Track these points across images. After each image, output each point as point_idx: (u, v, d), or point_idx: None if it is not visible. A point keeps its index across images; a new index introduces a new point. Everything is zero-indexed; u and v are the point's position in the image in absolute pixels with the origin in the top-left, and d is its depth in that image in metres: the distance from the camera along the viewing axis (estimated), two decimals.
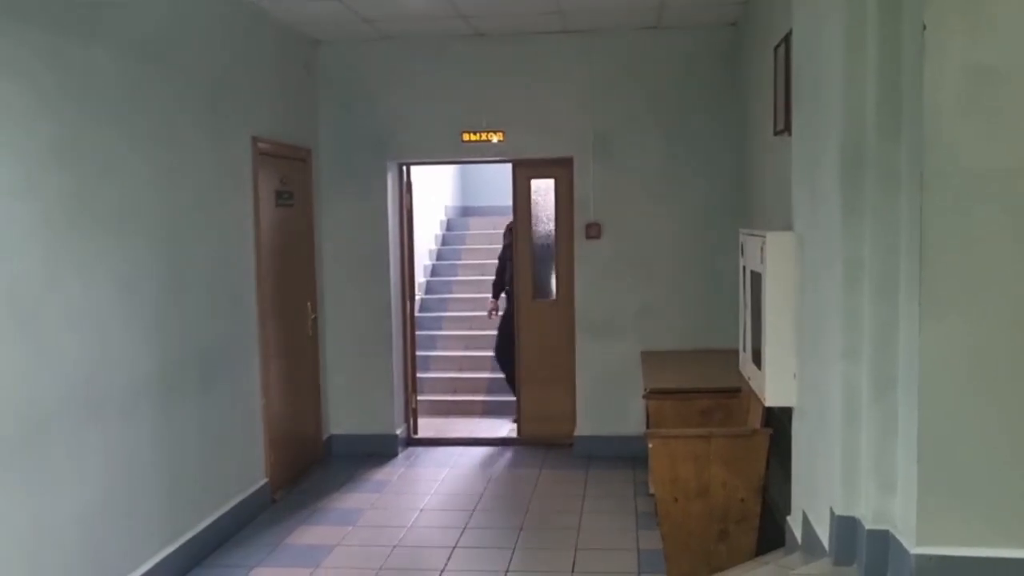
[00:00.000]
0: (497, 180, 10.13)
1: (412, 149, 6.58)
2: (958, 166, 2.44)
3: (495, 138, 6.46)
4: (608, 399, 6.49)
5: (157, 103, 4.35)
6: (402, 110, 6.49)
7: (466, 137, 6.48)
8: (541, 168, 6.73)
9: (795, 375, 3.55)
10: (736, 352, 5.57)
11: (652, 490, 4.25)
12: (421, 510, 5.44)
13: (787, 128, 4.21)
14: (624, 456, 6.24)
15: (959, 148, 2.44)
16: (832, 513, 2.90)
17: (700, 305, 6.32)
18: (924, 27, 2.44)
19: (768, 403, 3.65)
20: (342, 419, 6.69)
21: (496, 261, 7.69)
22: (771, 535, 4.08)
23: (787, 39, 4.19)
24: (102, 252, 3.88)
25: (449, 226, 10.60)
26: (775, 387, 3.61)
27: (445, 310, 9.10)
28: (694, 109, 6.29)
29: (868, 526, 2.74)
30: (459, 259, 9.93)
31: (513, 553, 4.71)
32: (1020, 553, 2.44)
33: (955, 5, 2.41)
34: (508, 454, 6.68)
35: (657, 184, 6.35)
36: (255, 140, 5.41)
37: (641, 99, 6.31)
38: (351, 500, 5.68)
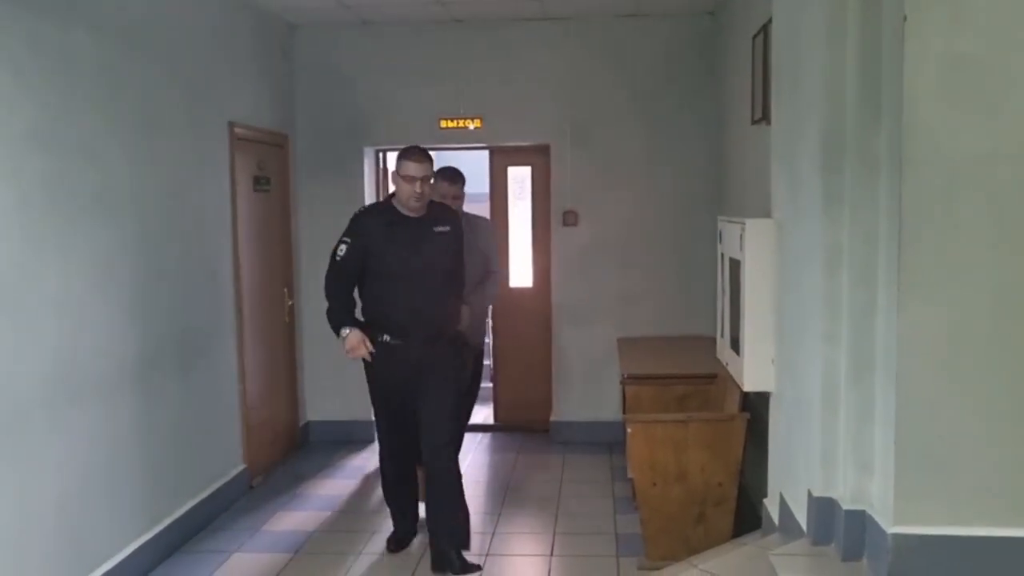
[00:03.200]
0: (469, 167, 10.13)
1: (389, 135, 6.55)
2: (937, 153, 2.49)
3: (472, 125, 6.46)
4: (585, 385, 6.54)
5: (135, 88, 4.31)
6: (380, 96, 6.47)
7: (443, 124, 6.48)
8: (518, 155, 6.74)
9: (773, 360, 3.61)
10: (712, 339, 5.64)
11: (631, 474, 4.30)
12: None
13: (765, 117, 4.27)
14: (601, 441, 6.30)
15: (938, 135, 2.49)
16: (810, 494, 2.96)
17: (676, 292, 6.38)
18: (905, 17, 2.48)
19: (747, 388, 3.70)
20: (319, 405, 6.68)
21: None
22: (746, 517, 4.15)
23: (765, 28, 4.24)
24: (80, 237, 3.85)
25: None
26: (754, 372, 3.67)
27: None
28: (671, 97, 6.33)
29: (846, 507, 2.80)
30: None
31: (492, 537, 4.74)
32: (994, 531, 2.51)
33: None
34: (485, 440, 6.71)
35: (634, 172, 6.39)
36: (232, 125, 5.37)
37: (619, 87, 6.34)
38: (330, 486, 5.69)
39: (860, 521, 2.77)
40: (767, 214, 3.96)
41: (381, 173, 6.84)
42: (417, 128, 6.47)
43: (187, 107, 4.86)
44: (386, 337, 4.19)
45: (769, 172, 4.12)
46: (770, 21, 4.09)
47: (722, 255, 4.24)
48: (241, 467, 5.46)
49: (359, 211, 4.43)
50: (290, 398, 6.42)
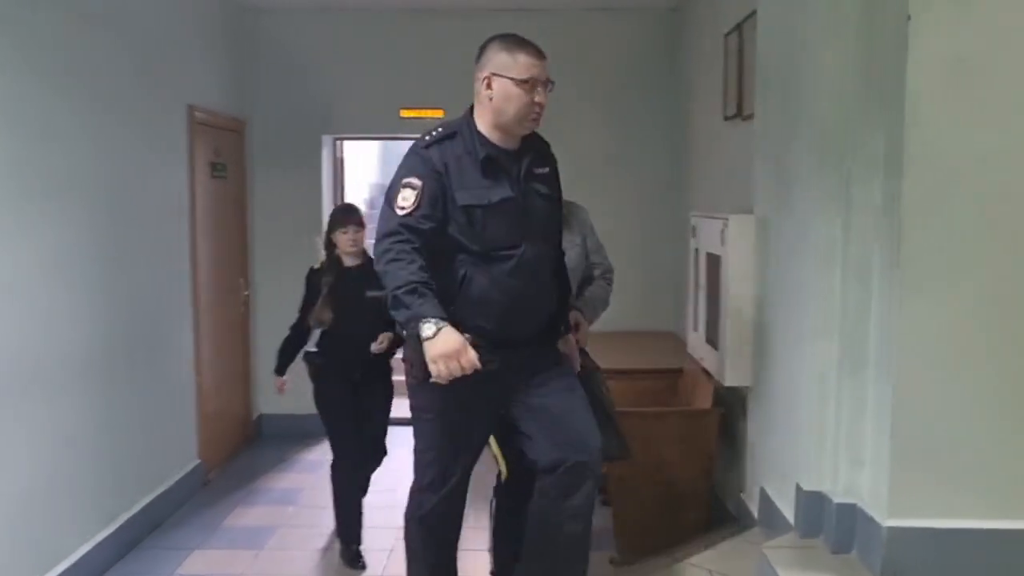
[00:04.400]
0: None
1: (349, 124, 6.44)
2: (938, 153, 2.54)
3: (434, 115, 6.38)
4: None
5: (95, 68, 4.12)
6: (340, 84, 6.34)
7: (405, 113, 6.38)
8: None
9: (753, 355, 3.64)
10: (674, 334, 5.68)
11: (603, 468, 4.29)
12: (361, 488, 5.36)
13: (740, 113, 4.30)
14: None
15: (939, 135, 2.54)
16: (799, 488, 2.99)
17: (638, 287, 6.38)
18: (909, 17, 2.52)
19: (728, 383, 3.72)
20: (273, 398, 6.50)
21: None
22: (713, 512, 4.18)
23: (741, 26, 4.27)
24: (32, 221, 3.64)
25: (372, 204, 10.43)
26: (734, 367, 3.69)
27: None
28: (634, 92, 6.35)
29: (837, 500, 2.84)
30: None
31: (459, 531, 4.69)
32: (988, 524, 2.57)
33: None
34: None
35: (596, 167, 6.39)
36: (191, 109, 5.20)
37: (582, 81, 6.32)
38: (287, 480, 5.57)
39: (851, 514, 2.81)
40: (743, 209, 3.99)
41: (339, 163, 6.72)
42: (378, 117, 6.37)
43: (146, 89, 4.67)
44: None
45: (743, 167, 4.17)
46: (746, 19, 4.13)
47: (697, 250, 4.26)
48: (196, 461, 5.30)
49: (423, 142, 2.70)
50: (244, 391, 6.26)
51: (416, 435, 2.87)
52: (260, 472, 5.68)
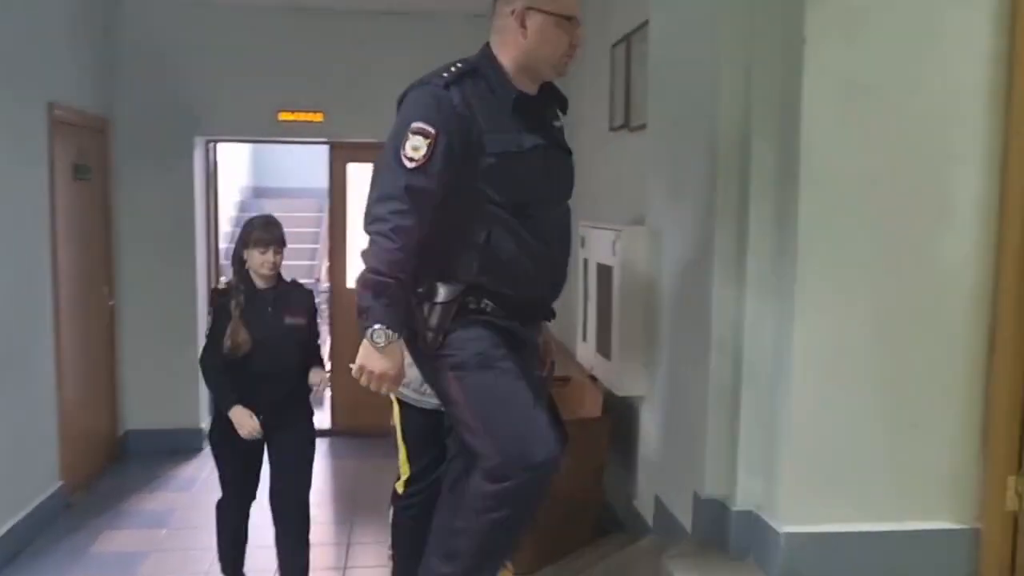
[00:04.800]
0: (293, 160, 9.77)
1: (224, 126, 6.19)
2: (831, 172, 2.62)
3: (314, 119, 6.21)
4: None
5: None
6: (214, 84, 6.08)
7: (282, 116, 6.19)
8: (360, 152, 6.54)
9: (645, 365, 3.69)
10: (559, 343, 5.69)
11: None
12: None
13: (627, 124, 4.36)
14: None
15: (832, 155, 2.62)
16: (696, 496, 3.04)
17: None
18: (804, 40, 2.60)
19: (621, 393, 3.76)
20: (141, 413, 6.20)
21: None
22: (603, 519, 4.21)
23: (629, 38, 4.33)
24: None
25: (243, 208, 10.08)
26: (626, 377, 3.73)
27: None
28: None
29: (735, 508, 2.91)
30: None
31: (348, 548, 4.58)
32: (879, 527, 2.69)
33: (834, 21, 2.59)
34: (322, 446, 6.44)
35: None
36: (52, 106, 4.86)
37: None
38: (158, 500, 5.28)
39: (749, 521, 2.88)
40: (632, 219, 4.06)
41: (212, 166, 6.44)
42: (254, 119, 6.16)
43: (3, 84, 4.34)
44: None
45: (631, 178, 4.23)
46: (635, 31, 4.19)
47: (586, 261, 4.29)
48: (58, 483, 4.96)
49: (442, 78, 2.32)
50: (110, 406, 5.91)
51: (472, 401, 2.31)
52: (128, 492, 5.37)
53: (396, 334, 2.20)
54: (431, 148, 2.19)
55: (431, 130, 2.20)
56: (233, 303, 3.51)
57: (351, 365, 2.26)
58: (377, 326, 2.18)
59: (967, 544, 2.73)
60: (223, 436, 3.58)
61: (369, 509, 5.13)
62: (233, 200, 9.78)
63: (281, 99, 6.16)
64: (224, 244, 9.11)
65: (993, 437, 2.72)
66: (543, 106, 2.46)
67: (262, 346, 3.50)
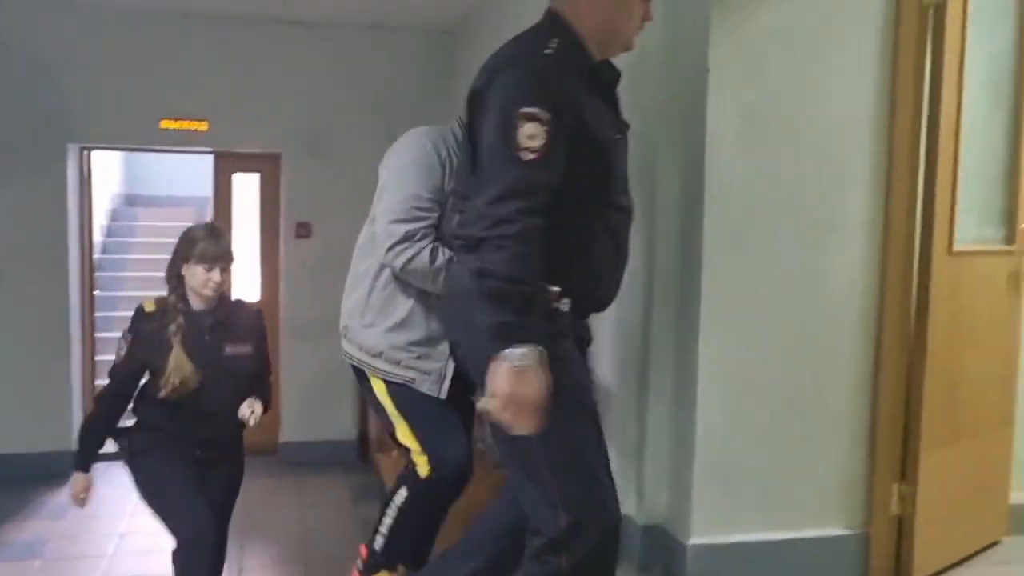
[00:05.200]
0: (169, 167, 9.42)
1: (101, 133, 5.88)
2: (734, 195, 2.75)
3: (198, 127, 6.01)
4: (316, 403, 6.32)
5: None
6: (89, 88, 5.78)
7: (164, 124, 5.94)
8: (246, 162, 6.37)
9: None
10: None
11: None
12: (121, 535, 4.91)
13: None
14: (334, 461, 6.13)
15: (735, 179, 2.75)
16: None
17: None
18: (708, 70, 2.71)
19: None
20: (4, 436, 5.82)
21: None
22: None
23: None
24: None
25: (114, 216, 9.65)
26: None
27: (116, 309, 8.27)
28: (410, 112, 6.30)
29: (641, 522, 2.98)
30: (128, 254, 9.10)
31: (240, 573, 4.43)
32: (779, 535, 2.82)
33: (735, 53, 2.72)
34: None
35: (371, 185, 6.25)
36: None
37: (358, 98, 6.21)
38: (28, 530, 4.96)
39: (655, 535, 2.96)
40: None
41: (87, 175, 6.13)
42: (134, 126, 5.88)
43: None
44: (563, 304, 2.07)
45: None
46: None
47: None
48: None
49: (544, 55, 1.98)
50: None
51: (552, 451, 1.99)
52: None
53: (546, 350, 1.87)
54: (550, 134, 1.87)
55: (545, 114, 1.87)
56: (173, 327, 2.95)
57: (482, 398, 1.90)
58: (520, 344, 1.83)
59: (858, 548, 2.90)
60: (144, 478, 3.09)
61: (258, 532, 4.99)
62: (104, 208, 9.33)
63: (164, 107, 5.92)
64: (97, 254, 8.73)
65: (879, 447, 2.90)
66: (614, 86, 2.20)
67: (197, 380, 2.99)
